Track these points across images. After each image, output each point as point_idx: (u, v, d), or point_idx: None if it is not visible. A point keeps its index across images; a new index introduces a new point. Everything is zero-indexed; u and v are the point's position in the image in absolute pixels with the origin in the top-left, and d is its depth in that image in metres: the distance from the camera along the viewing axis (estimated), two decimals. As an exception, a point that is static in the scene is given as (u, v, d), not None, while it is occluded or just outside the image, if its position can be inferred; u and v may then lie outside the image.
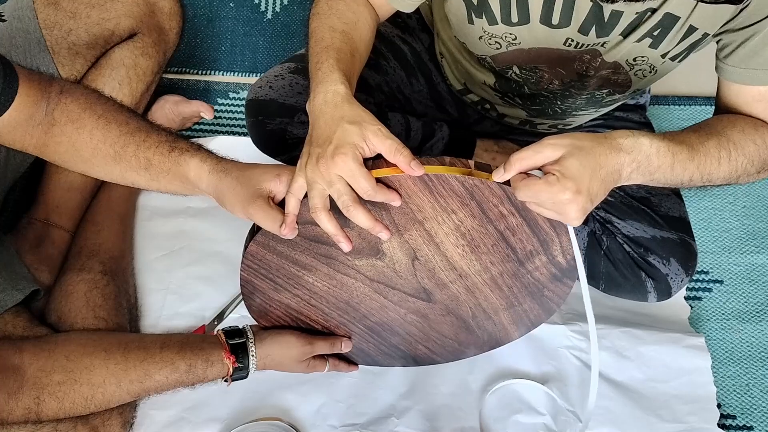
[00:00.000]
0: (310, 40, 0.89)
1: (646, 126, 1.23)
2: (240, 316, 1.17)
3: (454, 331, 1.03)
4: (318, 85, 0.82)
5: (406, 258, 0.91)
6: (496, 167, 0.77)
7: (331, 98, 0.79)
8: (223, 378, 1.00)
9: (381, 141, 0.75)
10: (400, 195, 0.78)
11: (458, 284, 0.94)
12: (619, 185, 0.79)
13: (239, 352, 1.00)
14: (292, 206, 0.80)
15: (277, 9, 1.62)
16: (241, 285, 0.97)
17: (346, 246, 0.81)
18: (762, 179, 0.92)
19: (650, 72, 0.97)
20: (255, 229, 0.89)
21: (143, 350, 0.97)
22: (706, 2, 0.73)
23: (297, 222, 0.85)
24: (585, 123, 1.20)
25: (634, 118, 1.22)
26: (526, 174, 0.76)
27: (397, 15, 0.98)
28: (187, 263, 1.25)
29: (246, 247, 0.92)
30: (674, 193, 1.19)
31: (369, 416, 1.10)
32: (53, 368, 0.92)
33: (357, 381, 1.13)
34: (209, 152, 0.90)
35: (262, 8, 1.62)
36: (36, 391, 0.91)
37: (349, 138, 0.75)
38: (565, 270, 0.90)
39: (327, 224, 0.78)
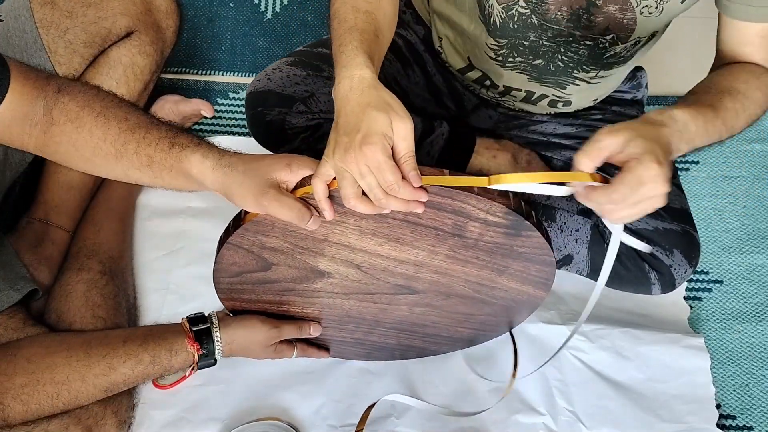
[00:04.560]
0: (333, 22, 0.87)
1: None
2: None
3: (472, 307, 1.00)
4: (342, 70, 0.80)
5: (350, 269, 0.91)
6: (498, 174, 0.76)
7: (357, 84, 0.78)
8: (189, 366, 1.00)
9: (398, 139, 0.74)
10: (426, 191, 0.77)
11: (424, 272, 0.92)
12: (673, 158, 0.79)
13: (203, 338, 0.99)
14: (321, 190, 0.79)
15: (277, 9, 1.62)
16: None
17: (420, 208, 0.78)
18: None
19: (656, 9, 0.96)
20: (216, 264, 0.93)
21: (106, 345, 0.97)
22: None
23: (225, 280, 0.90)
24: (582, 108, 1.20)
25: (631, 113, 1.22)
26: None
27: None
28: (187, 263, 1.25)
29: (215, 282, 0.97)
30: (674, 185, 1.18)
31: (369, 416, 1.10)
32: (15, 372, 0.92)
33: (357, 381, 1.13)
34: (211, 146, 0.87)
35: (262, 8, 1.62)
36: None
37: (376, 127, 0.74)
38: (512, 225, 0.83)
39: (364, 209, 0.77)
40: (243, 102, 1.47)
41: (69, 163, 0.91)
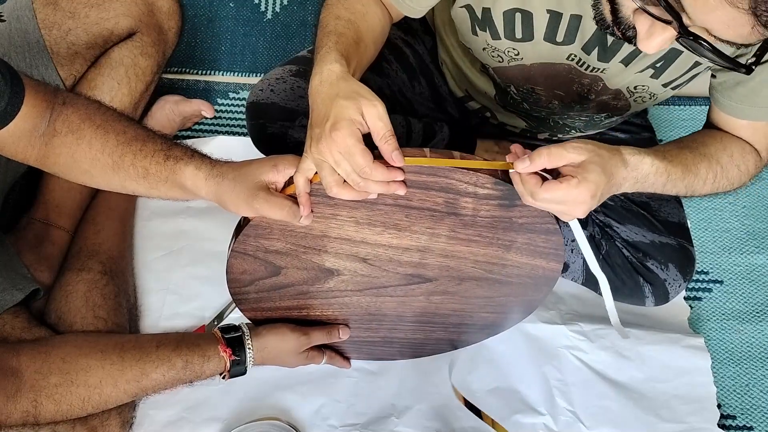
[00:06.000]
0: (317, 30, 0.89)
1: (647, 129, 1.23)
2: (240, 317, 1.17)
3: (489, 289, 0.99)
4: (314, 67, 0.81)
5: (357, 263, 0.91)
6: (489, 159, 0.78)
7: (326, 77, 0.79)
8: (221, 374, 1.00)
9: (373, 121, 0.74)
10: (403, 170, 0.77)
11: (431, 258, 0.91)
12: (614, 193, 0.83)
13: (236, 346, 1.00)
14: (301, 184, 0.80)
15: (277, 9, 1.62)
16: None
17: (401, 190, 0.79)
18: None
19: (650, 98, 1.00)
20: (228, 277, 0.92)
21: (139, 349, 0.97)
22: (718, 66, 0.75)
23: (241, 290, 0.90)
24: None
25: (635, 122, 1.22)
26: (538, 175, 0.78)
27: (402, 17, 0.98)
28: (187, 263, 1.25)
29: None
30: (674, 199, 1.19)
31: (369, 416, 1.10)
32: (50, 370, 0.92)
33: (357, 381, 1.13)
34: (204, 157, 0.88)
35: (262, 8, 1.62)
36: (33, 393, 0.91)
37: (344, 113, 0.74)
38: (505, 195, 0.83)
39: (348, 196, 0.78)
40: (243, 102, 1.47)
41: (68, 175, 0.92)
